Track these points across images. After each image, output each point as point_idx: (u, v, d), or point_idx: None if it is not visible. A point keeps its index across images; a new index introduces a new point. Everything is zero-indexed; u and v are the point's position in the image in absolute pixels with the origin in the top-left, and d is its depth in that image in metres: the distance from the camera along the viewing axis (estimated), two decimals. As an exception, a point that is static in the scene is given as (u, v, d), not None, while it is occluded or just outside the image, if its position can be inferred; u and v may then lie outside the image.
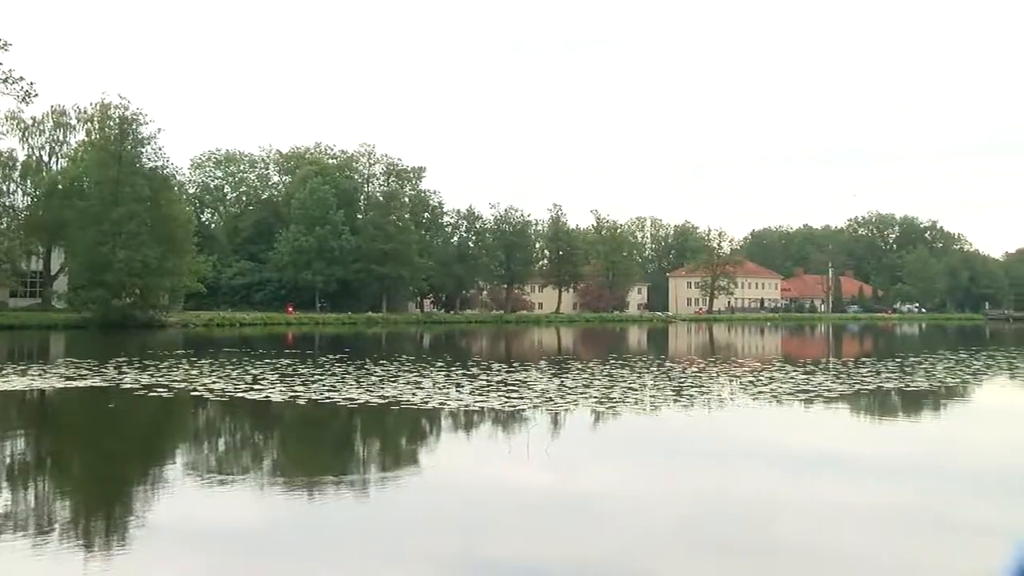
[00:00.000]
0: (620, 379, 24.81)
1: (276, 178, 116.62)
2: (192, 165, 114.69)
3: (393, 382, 23.09)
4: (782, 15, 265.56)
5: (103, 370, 25.95)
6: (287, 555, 8.07)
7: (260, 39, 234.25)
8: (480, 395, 20.24)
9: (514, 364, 31.55)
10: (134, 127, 70.43)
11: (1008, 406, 22.29)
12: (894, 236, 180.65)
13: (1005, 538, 8.83)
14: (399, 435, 16.08)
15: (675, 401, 20.03)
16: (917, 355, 39.34)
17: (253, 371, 26.17)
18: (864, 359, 36.82)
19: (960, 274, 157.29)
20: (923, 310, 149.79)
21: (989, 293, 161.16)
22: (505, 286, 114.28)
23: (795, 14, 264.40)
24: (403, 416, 17.18)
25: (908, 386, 24.06)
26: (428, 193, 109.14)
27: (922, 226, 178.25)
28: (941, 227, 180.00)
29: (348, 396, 19.63)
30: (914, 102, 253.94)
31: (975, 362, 34.66)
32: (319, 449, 14.75)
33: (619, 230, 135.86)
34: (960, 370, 30.16)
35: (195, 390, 20.99)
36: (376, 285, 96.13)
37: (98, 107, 75.64)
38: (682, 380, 25.25)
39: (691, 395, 21.27)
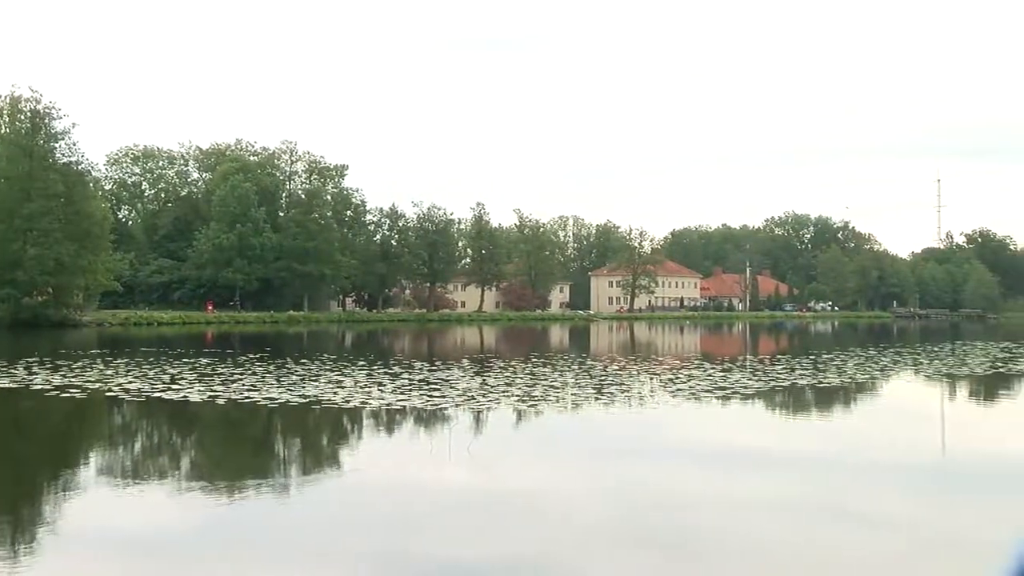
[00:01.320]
0: (542, 377, 25.00)
1: (196, 175, 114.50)
2: (109, 161, 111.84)
3: (314, 381, 22.92)
4: (704, 17, 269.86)
5: (12, 371, 25.20)
6: (206, 559, 7.99)
7: (179, 33, 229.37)
8: (402, 394, 20.22)
9: (436, 363, 31.56)
10: (46, 121, 68.48)
11: (911, 401, 23.10)
12: (809, 236, 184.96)
13: (907, 527, 9.20)
14: (320, 435, 16.00)
15: (596, 399, 20.28)
16: (829, 352, 40.43)
17: (171, 371, 25.71)
18: (779, 356, 37.71)
19: (870, 273, 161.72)
20: (835, 308, 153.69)
21: (896, 292, 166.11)
22: (428, 285, 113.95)
23: (716, 16, 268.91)
24: (324, 415, 17.09)
25: (821, 383, 24.74)
26: (350, 191, 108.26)
27: (835, 226, 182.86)
28: (853, 227, 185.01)
29: (268, 395, 19.44)
30: (829, 107, 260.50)
31: (883, 359, 35.79)
32: (239, 450, 14.60)
33: (541, 229, 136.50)
34: (869, 367, 31.12)
35: (110, 391, 20.55)
36: (298, 283, 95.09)
37: (8, 100, 73.24)
38: (603, 378, 25.56)
39: (612, 393, 21.56)
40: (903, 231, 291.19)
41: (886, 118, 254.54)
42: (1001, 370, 30.67)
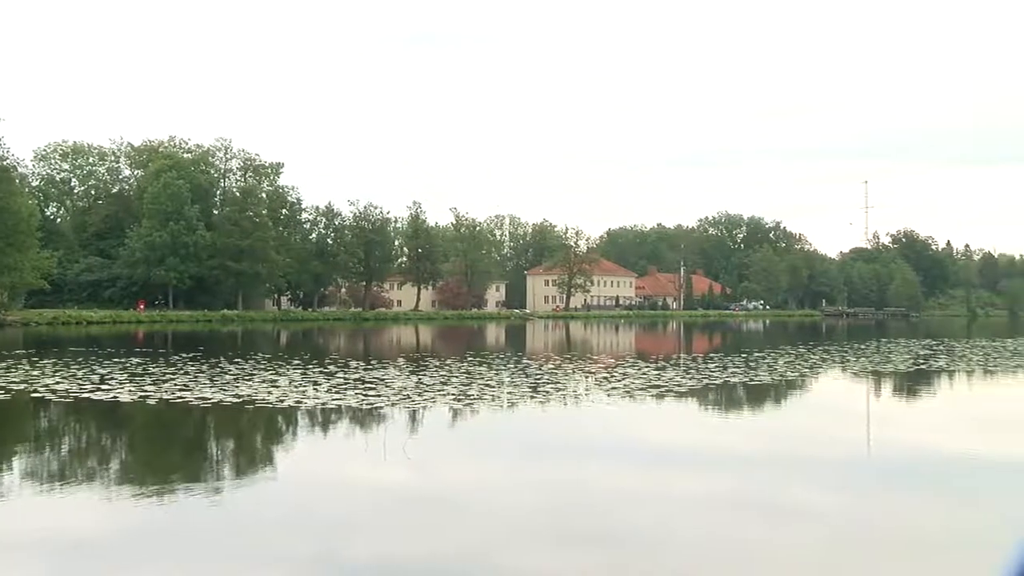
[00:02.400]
0: (478, 376, 25.07)
1: (127, 172, 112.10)
2: (36, 157, 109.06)
3: (248, 380, 22.70)
4: (638, 18, 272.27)
5: (-67, 372, 24.51)
6: (136, 564, 7.90)
7: (111, 27, 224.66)
8: (337, 393, 20.13)
9: (372, 361, 31.43)
10: (-32, 115, 66.61)
11: (839, 398, 23.68)
12: (742, 236, 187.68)
13: (836, 521, 9.47)
14: (254, 435, 15.87)
15: (532, 397, 20.42)
16: (761, 350, 41.18)
17: (100, 371, 25.22)
18: (712, 355, 38.28)
19: (800, 272, 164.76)
20: (767, 307, 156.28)
21: (826, 291, 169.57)
22: (364, 283, 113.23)
23: (651, 17, 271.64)
24: (258, 415, 16.95)
25: (752, 380, 25.22)
26: (286, 189, 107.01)
27: (767, 226, 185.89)
28: (784, 227, 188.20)
29: (201, 395, 19.21)
30: (761, 108, 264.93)
31: (812, 356, 36.58)
32: (170, 451, 14.40)
33: (478, 228, 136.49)
34: (799, 364, 31.80)
35: (36, 391, 20.10)
36: (232, 282, 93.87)
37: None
38: (539, 377, 25.72)
39: (547, 391, 21.70)
40: (832, 231, 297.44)
41: (816, 121, 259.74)
42: (922, 367, 31.58)
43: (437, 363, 31.22)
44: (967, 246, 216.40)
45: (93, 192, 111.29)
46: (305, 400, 18.91)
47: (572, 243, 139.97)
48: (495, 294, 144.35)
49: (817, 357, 36.28)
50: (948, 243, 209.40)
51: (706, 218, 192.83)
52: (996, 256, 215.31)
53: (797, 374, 27.92)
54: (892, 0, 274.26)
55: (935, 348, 44.55)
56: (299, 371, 26.12)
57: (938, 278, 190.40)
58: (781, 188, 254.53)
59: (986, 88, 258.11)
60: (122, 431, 16.57)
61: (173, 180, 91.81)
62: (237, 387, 21.02)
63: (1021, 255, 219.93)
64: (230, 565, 7.80)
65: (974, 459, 13.49)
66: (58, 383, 21.74)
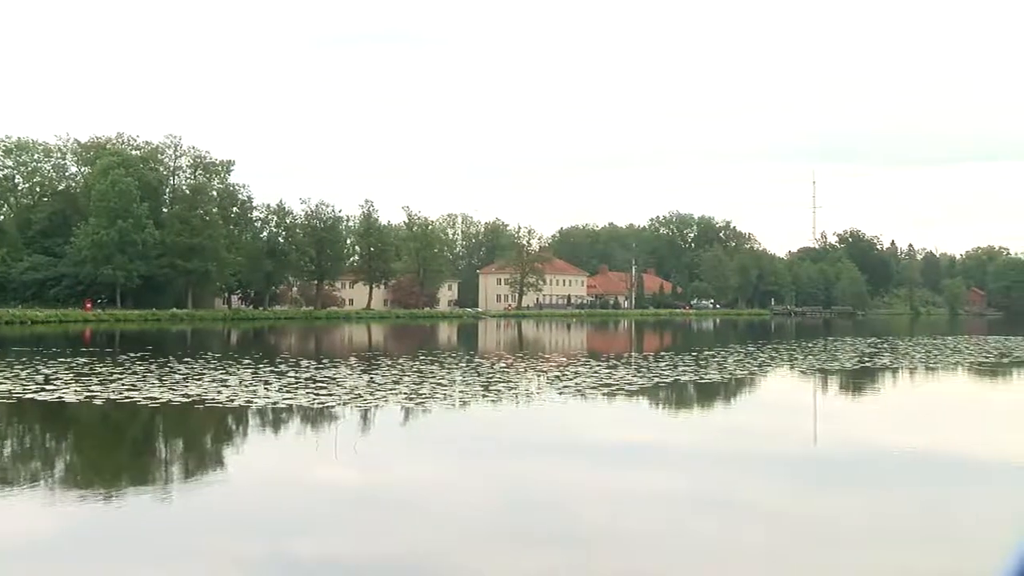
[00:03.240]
0: (430, 375, 25.08)
1: (74, 168, 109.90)
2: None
3: (198, 380, 22.49)
4: (588, 16, 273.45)
5: None
6: (82, 566, 7.82)
7: (57, 22, 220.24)
8: (288, 392, 20.02)
9: (323, 361, 31.28)
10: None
11: (787, 395, 24.06)
12: (692, 235, 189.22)
13: (783, 515, 9.65)
14: (204, 435, 15.74)
15: (484, 396, 20.48)
16: (711, 349, 41.64)
17: (45, 371, 24.79)
18: (663, 353, 38.63)
19: (750, 272, 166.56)
20: (717, 306, 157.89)
21: (775, 290, 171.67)
22: (315, 282, 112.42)
23: (601, 16, 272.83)
24: (208, 415, 16.81)
25: (702, 378, 25.52)
26: (237, 187, 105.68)
27: (717, 226, 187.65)
28: (734, 227, 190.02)
29: (149, 395, 18.98)
30: (711, 109, 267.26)
31: (761, 354, 37.10)
32: (117, 452, 14.24)
33: (430, 227, 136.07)
34: (748, 363, 32.22)
35: (-22, 392, 19.73)
36: (181, 280, 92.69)
37: None
38: (491, 375, 25.78)
39: (499, 390, 21.77)
40: (781, 231, 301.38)
41: (766, 121, 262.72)
42: (867, 364, 32.20)
43: (389, 362, 31.14)
44: (910, 246, 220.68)
45: (38, 189, 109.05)
46: (256, 399, 18.79)
47: (524, 242, 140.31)
48: (447, 293, 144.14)
49: (766, 355, 36.78)
50: (893, 243, 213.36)
51: (657, 217, 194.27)
52: (938, 256, 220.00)
53: (747, 372, 28.30)
54: (839, 4, 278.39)
55: (880, 346, 45.42)
56: (250, 370, 25.91)
57: (883, 277, 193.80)
58: (731, 188, 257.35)
59: (929, 91, 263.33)
60: (68, 432, 16.33)
61: (121, 177, 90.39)
62: (186, 387, 20.82)
63: (961, 255, 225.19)
64: (178, 567, 7.75)
65: (915, 453, 13.82)
66: (0, 383, 21.35)
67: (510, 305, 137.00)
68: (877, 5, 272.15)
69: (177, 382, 21.87)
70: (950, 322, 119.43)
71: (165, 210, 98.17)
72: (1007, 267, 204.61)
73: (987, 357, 37.17)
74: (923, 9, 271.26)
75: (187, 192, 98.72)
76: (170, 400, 18.35)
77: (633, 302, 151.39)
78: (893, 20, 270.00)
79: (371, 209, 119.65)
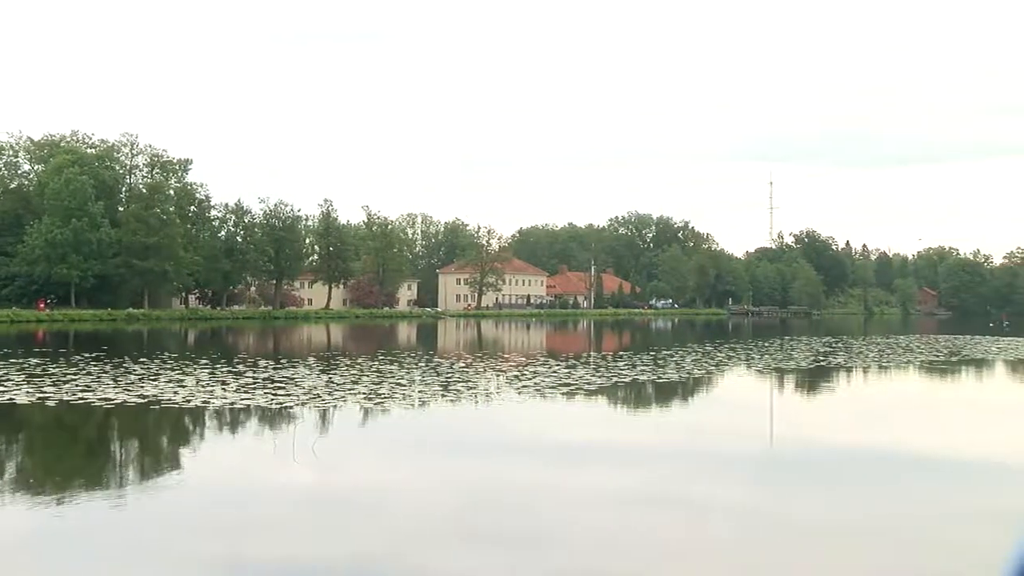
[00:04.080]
0: (389, 375, 25.04)
1: (27, 167, 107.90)
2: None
3: (154, 380, 22.27)
4: (548, 17, 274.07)
5: None
6: (34, 569, 7.75)
7: (8, 16, 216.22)
8: (246, 393, 19.90)
9: (282, 361, 31.09)
10: None
11: (743, 394, 24.34)
12: (651, 235, 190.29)
13: (740, 513, 9.79)
14: (159, 436, 15.61)
15: (443, 396, 20.49)
16: (669, 348, 41.96)
17: (-5, 372, 24.43)
18: (622, 353, 38.86)
19: (708, 272, 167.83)
20: (675, 305, 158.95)
21: (732, 290, 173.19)
22: (274, 282, 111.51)
23: (560, 16, 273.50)
24: (164, 416, 16.67)
25: (660, 378, 25.73)
26: (195, 186, 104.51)
27: (676, 226, 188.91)
28: (692, 227, 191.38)
29: (104, 396, 18.77)
30: (670, 109, 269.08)
31: (718, 354, 37.46)
32: (71, 454, 14.07)
33: (390, 226, 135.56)
34: (706, 362, 32.53)
35: (-73, 394, 19.38)
36: (138, 280, 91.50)
37: None
38: (450, 375, 25.80)
39: (458, 390, 21.80)
40: (739, 231, 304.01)
41: (723, 123, 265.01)
42: (822, 363, 32.67)
43: (348, 362, 31.03)
44: (864, 246, 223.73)
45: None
46: (213, 400, 18.65)
47: (484, 242, 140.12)
48: (407, 293, 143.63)
49: (723, 355, 37.15)
50: (847, 243, 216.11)
51: (616, 218, 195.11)
52: (891, 256, 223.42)
53: (704, 372, 28.57)
54: (795, 9, 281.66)
55: (834, 345, 46.06)
56: (207, 371, 25.70)
57: (838, 277, 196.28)
58: (689, 188, 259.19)
59: (881, 94, 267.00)
60: (19, 434, 16.10)
61: (75, 176, 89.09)
62: (142, 387, 20.61)
63: (913, 255, 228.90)
64: (132, 570, 7.70)
65: (869, 451, 14.07)
66: (-49, 385, 21.00)
67: (470, 305, 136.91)
68: (831, 11, 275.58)
69: (132, 383, 21.64)
70: (902, 322, 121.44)
71: (121, 209, 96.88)
72: (957, 267, 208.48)
73: (937, 356, 37.86)
74: (875, 14, 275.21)
75: (144, 191, 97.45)
76: (125, 401, 18.15)
77: (592, 302, 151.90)
78: (847, 25, 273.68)
79: (330, 208, 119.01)
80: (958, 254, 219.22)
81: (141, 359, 29.74)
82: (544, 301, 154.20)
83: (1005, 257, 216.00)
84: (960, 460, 13.38)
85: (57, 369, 25.51)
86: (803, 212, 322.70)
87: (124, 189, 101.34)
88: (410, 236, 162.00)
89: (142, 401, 18.21)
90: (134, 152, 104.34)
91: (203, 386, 21.21)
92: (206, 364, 28.46)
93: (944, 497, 10.70)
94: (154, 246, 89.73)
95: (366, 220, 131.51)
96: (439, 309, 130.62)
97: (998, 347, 46.07)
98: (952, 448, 14.41)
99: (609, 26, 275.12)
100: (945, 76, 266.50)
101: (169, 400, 18.38)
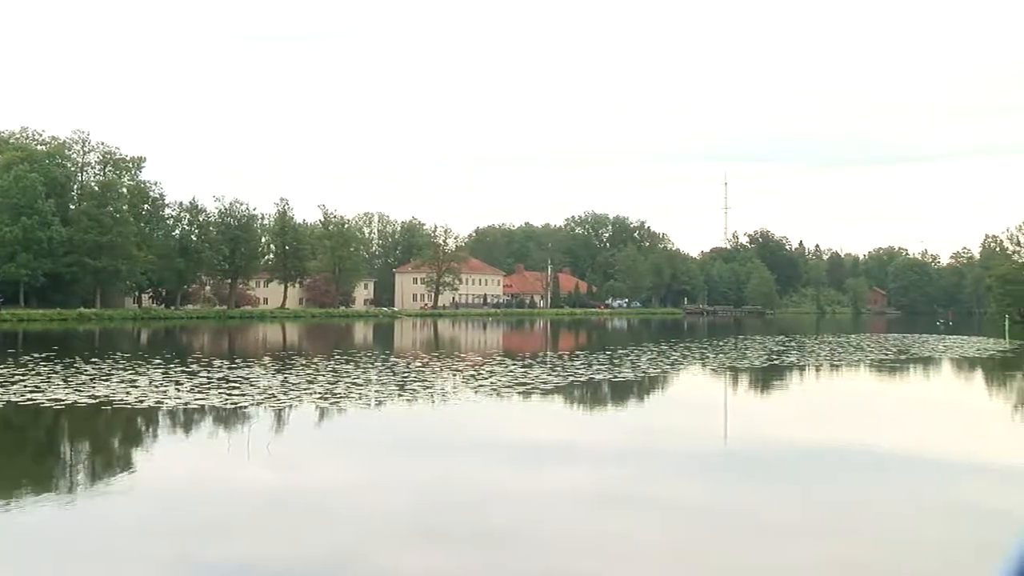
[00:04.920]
0: (344, 375, 24.94)
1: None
2: None
3: (105, 381, 21.98)
4: (504, 14, 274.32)
5: None
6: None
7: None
8: (200, 393, 19.73)
9: (237, 360, 30.83)
10: None
11: (698, 393, 24.58)
12: (607, 235, 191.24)
13: (696, 511, 9.91)
14: (111, 437, 15.41)
15: (399, 396, 20.47)
16: (625, 347, 42.22)
17: (-59, 373, 23.96)
18: (578, 352, 39.04)
19: (664, 271, 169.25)
20: (632, 305, 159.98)
21: (687, 289, 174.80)
22: (229, 281, 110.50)
23: (517, 14, 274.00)
24: (116, 417, 16.46)
25: (616, 377, 25.90)
26: (148, 184, 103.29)
27: (632, 226, 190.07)
28: (648, 227, 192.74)
29: (54, 397, 18.50)
30: (626, 110, 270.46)
31: (674, 353, 37.77)
32: (19, 456, 13.84)
33: (346, 225, 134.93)
34: (661, 361, 32.79)
35: None
36: (90, 279, 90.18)
37: None
38: (406, 375, 25.75)
39: (415, 390, 21.78)
40: (694, 231, 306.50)
41: (679, 123, 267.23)
42: (775, 362, 33.08)
43: (304, 361, 30.86)
44: (817, 246, 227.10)
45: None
46: (166, 400, 18.47)
47: (441, 241, 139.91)
48: (363, 292, 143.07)
49: (679, 354, 37.46)
50: (800, 243, 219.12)
51: (573, 217, 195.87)
52: (842, 256, 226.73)
53: (659, 371, 28.79)
54: (748, 12, 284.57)
55: (787, 344, 46.65)
56: (160, 371, 25.42)
57: (791, 277, 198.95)
58: (645, 188, 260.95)
59: (832, 96, 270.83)
60: (-33, 435, 15.82)
61: (25, 173, 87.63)
62: (93, 388, 20.34)
63: (864, 255, 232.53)
64: (83, 571, 7.63)
65: (820, 448, 14.30)
66: None
67: (426, 304, 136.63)
68: (785, 15, 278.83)
69: (83, 383, 21.35)
70: (853, 321, 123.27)
71: (73, 207, 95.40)
72: (905, 267, 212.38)
73: (887, 355, 38.50)
74: (826, 18, 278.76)
75: (96, 189, 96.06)
76: (76, 402, 17.91)
77: (549, 301, 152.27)
78: (799, 28, 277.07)
79: (286, 207, 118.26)
80: (907, 254, 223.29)
81: (93, 359, 29.33)
82: (501, 300, 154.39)
83: (952, 257, 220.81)
84: (909, 456, 13.65)
85: (5, 370, 25.09)
86: (757, 212, 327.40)
87: (76, 187, 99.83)
88: (367, 235, 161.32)
89: (93, 402, 17.98)
90: (86, 149, 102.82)
91: (156, 386, 20.99)
92: (160, 364, 28.15)
93: (894, 492, 10.91)
94: (107, 245, 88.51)
95: (323, 219, 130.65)
96: (396, 308, 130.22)
97: (944, 345, 46.99)
98: (901, 444, 14.69)
99: (566, 28, 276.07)
100: (895, 80, 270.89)
101: (121, 401, 18.17)
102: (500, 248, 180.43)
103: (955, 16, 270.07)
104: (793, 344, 47.03)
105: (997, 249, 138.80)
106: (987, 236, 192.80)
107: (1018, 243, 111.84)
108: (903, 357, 37.15)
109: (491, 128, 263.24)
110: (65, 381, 21.80)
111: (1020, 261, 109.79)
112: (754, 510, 9.94)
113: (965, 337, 58.41)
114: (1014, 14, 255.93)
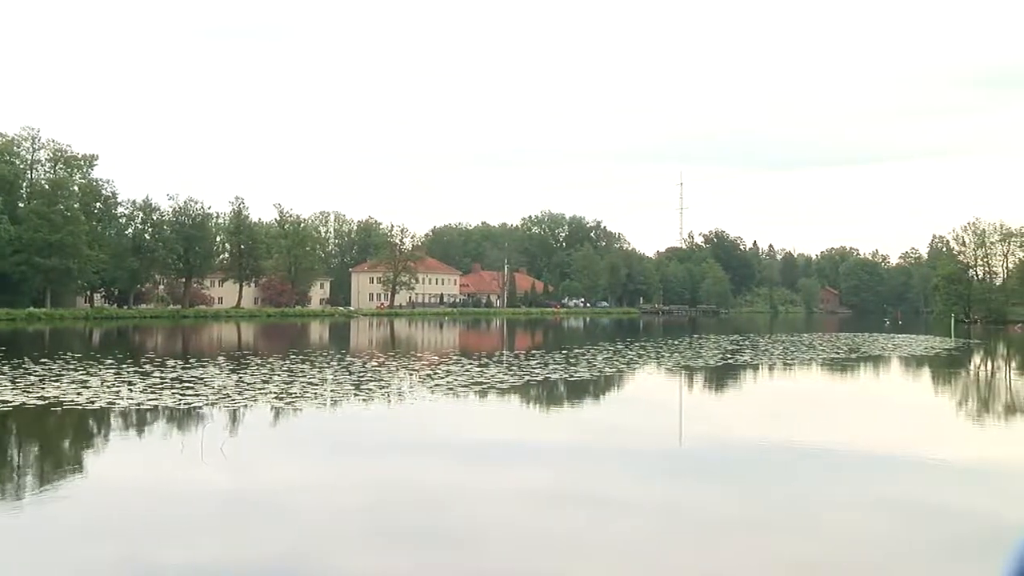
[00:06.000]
0: (300, 374, 24.82)
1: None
2: None
3: (55, 381, 21.67)
4: (458, 13, 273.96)
5: None
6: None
7: None
8: (153, 393, 19.53)
9: (190, 360, 30.53)
10: None
11: (654, 392, 24.80)
12: (564, 235, 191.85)
13: (650, 509, 10.03)
14: (61, 438, 15.21)
15: (355, 395, 20.43)
16: (581, 347, 42.43)
17: None
18: (534, 351, 39.16)
19: (619, 271, 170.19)
20: (587, 304, 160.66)
21: (643, 289, 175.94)
22: (183, 280, 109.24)
23: (470, 12, 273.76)
24: (66, 418, 16.25)
25: (572, 376, 26.03)
26: (100, 182, 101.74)
27: (588, 226, 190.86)
28: (604, 227, 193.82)
29: (1, 399, 18.21)
30: (581, 108, 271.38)
31: (629, 352, 38.04)
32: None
33: (302, 224, 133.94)
34: (617, 360, 33.00)
35: None
36: (39, 278, 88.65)
37: None
38: (362, 374, 25.69)
39: (371, 389, 21.75)
40: (650, 231, 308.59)
41: (634, 123, 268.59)
42: (730, 361, 33.46)
43: (259, 361, 30.63)
44: (771, 246, 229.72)
45: None
46: (118, 401, 18.26)
47: (397, 240, 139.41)
48: (319, 291, 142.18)
49: (634, 353, 37.73)
50: (755, 243, 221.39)
51: (529, 217, 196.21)
52: (795, 256, 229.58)
53: (615, 370, 28.98)
54: (703, 12, 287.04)
55: (741, 343, 47.17)
56: (112, 371, 25.10)
57: (745, 276, 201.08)
58: (601, 188, 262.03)
59: (785, 98, 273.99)
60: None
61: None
62: (43, 389, 20.05)
63: (816, 255, 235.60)
64: (31, 574, 7.55)
65: (774, 446, 14.51)
66: None
67: (383, 304, 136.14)
68: (737, 17, 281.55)
69: (32, 384, 21.04)
70: (806, 320, 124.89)
71: (22, 205, 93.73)
72: (856, 267, 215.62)
73: (838, 354, 39.11)
74: (776, 22, 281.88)
75: (46, 187, 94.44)
76: (24, 403, 17.65)
77: (505, 301, 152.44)
78: (752, 31, 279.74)
79: (241, 206, 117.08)
80: (858, 254, 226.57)
81: (42, 360, 28.88)
82: (457, 300, 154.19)
83: (901, 257, 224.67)
84: (860, 453, 13.90)
85: (-48, 370, 24.62)
86: (712, 213, 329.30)
87: (25, 185, 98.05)
88: (323, 234, 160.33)
89: (43, 403, 17.72)
90: (36, 146, 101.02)
91: (108, 387, 20.74)
92: (112, 364, 27.79)
93: (845, 489, 11.12)
94: (57, 243, 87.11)
95: (278, 218, 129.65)
96: (352, 308, 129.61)
97: (894, 344, 47.84)
98: (852, 442, 14.96)
99: (521, 27, 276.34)
100: (844, 83, 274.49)
101: (72, 401, 17.93)
102: (457, 247, 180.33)
103: (902, 19, 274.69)
104: (747, 343, 47.57)
105: (944, 249, 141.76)
106: (934, 237, 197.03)
107: (963, 244, 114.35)
108: (854, 356, 37.77)
109: (448, 127, 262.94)
110: (13, 382, 21.46)
111: (965, 262, 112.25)
112: (708, 508, 10.07)
113: (913, 336, 59.53)
114: (959, 17, 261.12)
